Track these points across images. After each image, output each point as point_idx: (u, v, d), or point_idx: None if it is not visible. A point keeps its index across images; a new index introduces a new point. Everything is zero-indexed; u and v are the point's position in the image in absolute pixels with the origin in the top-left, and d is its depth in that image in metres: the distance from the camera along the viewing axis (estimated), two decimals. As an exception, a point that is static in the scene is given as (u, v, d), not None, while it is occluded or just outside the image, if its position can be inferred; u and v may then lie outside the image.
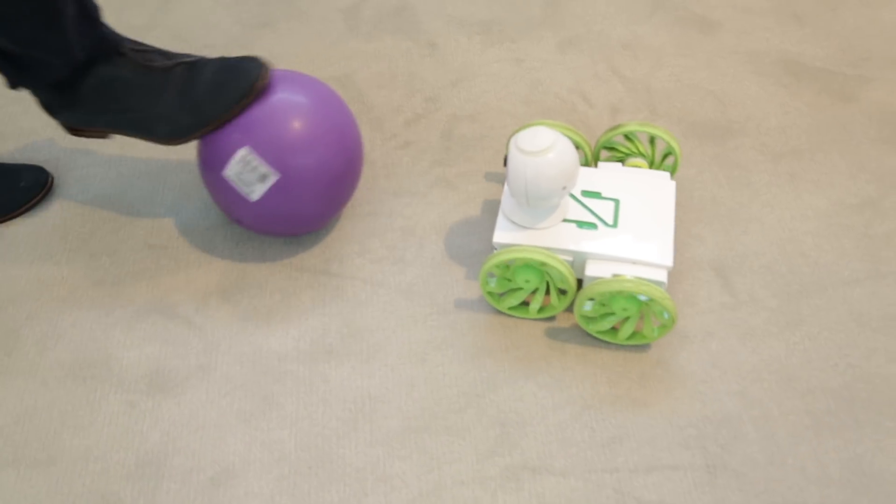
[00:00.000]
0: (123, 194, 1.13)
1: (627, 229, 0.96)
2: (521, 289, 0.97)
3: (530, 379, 0.93)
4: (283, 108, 0.95)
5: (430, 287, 1.02)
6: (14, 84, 0.99)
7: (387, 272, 1.04)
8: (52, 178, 1.14)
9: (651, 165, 1.07)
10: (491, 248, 1.05)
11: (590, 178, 1.02)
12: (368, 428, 0.90)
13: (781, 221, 1.08)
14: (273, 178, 0.92)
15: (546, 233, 0.96)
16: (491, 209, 1.10)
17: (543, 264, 0.92)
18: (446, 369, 0.94)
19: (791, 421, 0.89)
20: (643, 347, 0.95)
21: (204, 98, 0.96)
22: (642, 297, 0.90)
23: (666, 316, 0.91)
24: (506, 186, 0.98)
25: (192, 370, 0.95)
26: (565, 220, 0.97)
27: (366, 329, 0.98)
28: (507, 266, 0.94)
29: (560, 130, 1.05)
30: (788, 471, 0.86)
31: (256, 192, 0.94)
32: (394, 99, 1.25)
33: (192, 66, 0.98)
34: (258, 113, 0.95)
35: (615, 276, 0.92)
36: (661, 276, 0.92)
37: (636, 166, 1.05)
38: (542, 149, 0.89)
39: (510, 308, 0.98)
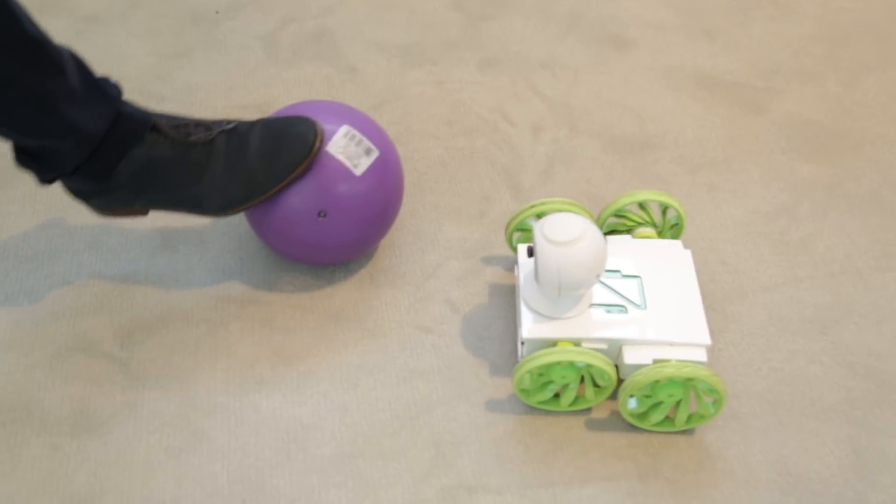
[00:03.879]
0: (41, 231, 1.10)
1: (658, 309, 0.91)
2: (551, 382, 0.90)
3: (463, 399, 0.93)
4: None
5: (358, 311, 1.02)
6: (43, 179, 0.94)
7: (315, 297, 1.03)
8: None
9: (659, 233, 1.02)
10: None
11: None
12: (302, 457, 0.89)
13: (701, 231, 1.11)
14: (376, 153, 0.95)
15: (576, 322, 0.90)
16: (415, 228, 1.10)
17: (589, 365, 0.87)
18: (379, 393, 0.94)
19: (718, 426, 0.91)
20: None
21: (256, 168, 0.93)
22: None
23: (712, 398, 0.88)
24: (520, 274, 0.94)
25: (118, 408, 0.92)
26: (593, 305, 0.91)
27: (296, 357, 0.97)
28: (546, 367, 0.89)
29: (568, 208, 0.99)
30: (718, 475, 0.88)
31: (362, 165, 0.94)
32: (316, 124, 1.25)
33: (234, 134, 0.95)
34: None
35: (655, 360, 0.87)
36: (701, 355, 0.88)
37: (646, 237, 1.00)
38: (573, 238, 0.85)
39: (540, 402, 0.92)
